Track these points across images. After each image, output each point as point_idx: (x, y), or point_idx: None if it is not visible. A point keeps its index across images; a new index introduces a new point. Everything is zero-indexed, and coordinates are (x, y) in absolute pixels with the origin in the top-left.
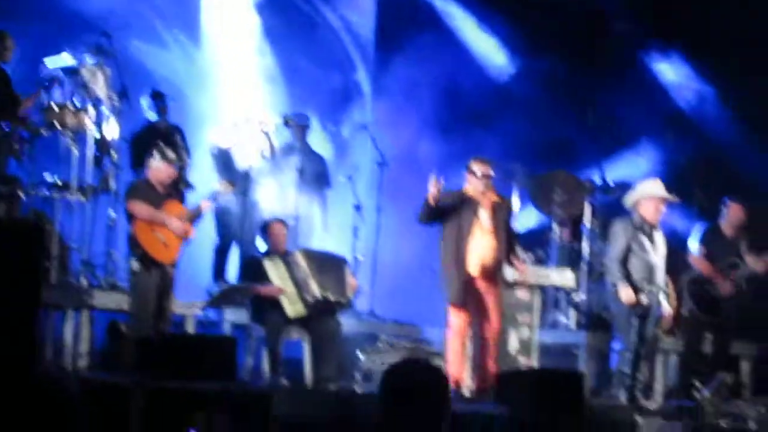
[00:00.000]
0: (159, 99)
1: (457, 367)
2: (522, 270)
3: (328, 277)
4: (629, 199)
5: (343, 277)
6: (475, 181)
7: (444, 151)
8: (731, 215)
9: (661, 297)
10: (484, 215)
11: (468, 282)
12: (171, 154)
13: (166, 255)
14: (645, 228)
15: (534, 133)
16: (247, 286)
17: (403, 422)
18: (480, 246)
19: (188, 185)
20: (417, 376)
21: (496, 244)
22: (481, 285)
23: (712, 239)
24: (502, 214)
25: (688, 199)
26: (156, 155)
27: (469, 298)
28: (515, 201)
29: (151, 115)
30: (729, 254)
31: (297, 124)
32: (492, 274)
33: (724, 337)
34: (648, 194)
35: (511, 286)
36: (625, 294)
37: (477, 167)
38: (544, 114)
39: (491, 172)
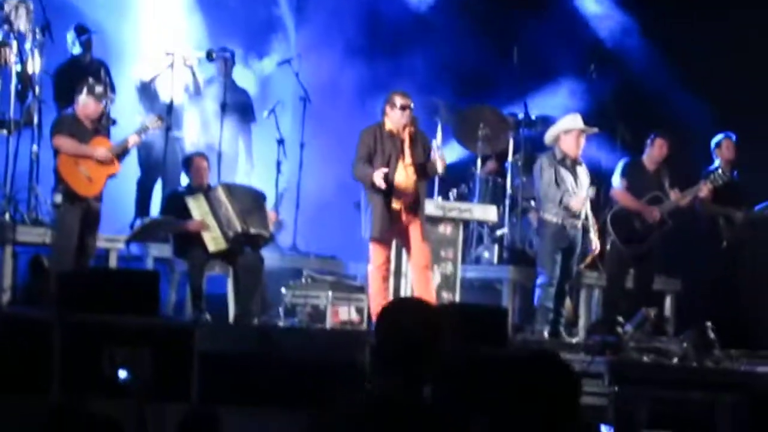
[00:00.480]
0: (83, 33)
1: (379, 302)
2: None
3: (249, 211)
4: (549, 135)
5: (264, 211)
6: (396, 113)
7: (366, 80)
8: (655, 150)
9: (585, 230)
10: (405, 148)
11: (391, 216)
12: (99, 89)
13: (90, 189)
14: (567, 162)
15: (456, 65)
16: (169, 220)
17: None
18: (402, 179)
19: (112, 121)
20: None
21: (417, 177)
22: (405, 218)
23: (634, 173)
24: (421, 146)
25: (611, 133)
26: (84, 90)
27: (392, 233)
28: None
29: (76, 50)
30: (651, 189)
31: (220, 58)
32: (414, 207)
33: (647, 272)
34: (567, 128)
35: (434, 221)
36: (575, 201)
37: (398, 99)
38: (466, 46)
39: (411, 104)
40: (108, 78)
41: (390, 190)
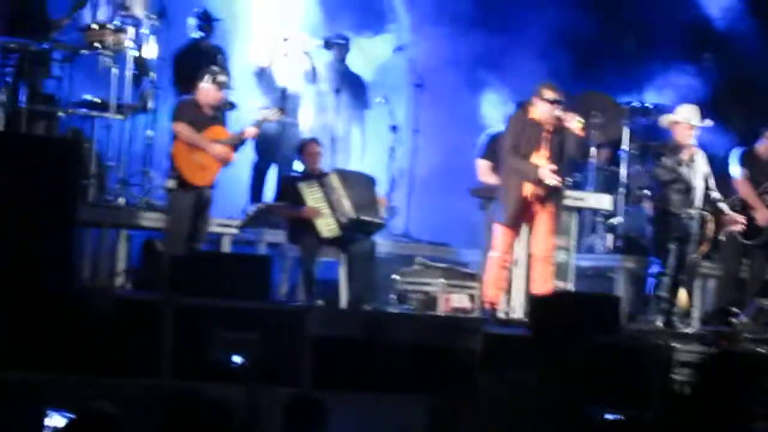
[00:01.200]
0: (205, 19)
1: (497, 289)
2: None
3: (362, 198)
4: (664, 120)
5: (374, 196)
6: (545, 106)
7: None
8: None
9: (701, 220)
10: (546, 139)
11: (525, 203)
12: (222, 78)
13: (203, 178)
14: (682, 152)
15: (568, 51)
16: (282, 206)
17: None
18: (545, 165)
19: (231, 105)
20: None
21: (556, 168)
22: (539, 207)
23: (749, 163)
24: (562, 138)
25: (724, 122)
26: (207, 77)
27: (523, 220)
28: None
29: (196, 34)
30: (765, 179)
31: (337, 45)
32: (550, 196)
33: (762, 262)
34: (682, 119)
35: None
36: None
37: (548, 93)
38: (580, 33)
39: (561, 98)
40: (225, 63)
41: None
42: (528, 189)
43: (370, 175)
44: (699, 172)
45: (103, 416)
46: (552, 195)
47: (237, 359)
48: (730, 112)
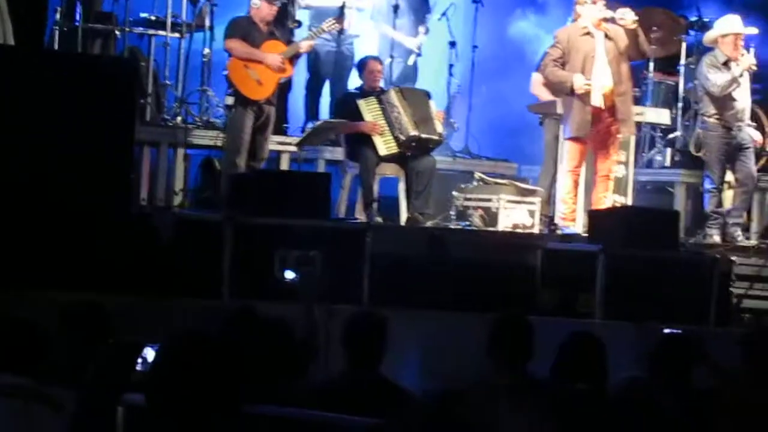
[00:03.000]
0: None
1: (569, 207)
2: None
3: (422, 114)
4: (708, 37)
5: (432, 111)
6: (588, 8)
7: None
8: None
9: (752, 132)
10: (602, 45)
11: (591, 116)
12: None
13: (260, 92)
14: (730, 65)
15: None
16: (341, 122)
17: None
18: (601, 77)
19: (297, 23)
20: None
21: (619, 75)
22: (605, 120)
23: None
24: (621, 41)
25: None
26: None
27: (590, 133)
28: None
29: None
30: None
31: None
32: (615, 109)
33: None
34: (723, 32)
35: None
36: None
37: None
38: None
39: None
40: None
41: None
42: (593, 102)
43: (426, 91)
44: (745, 84)
45: (198, 338)
46: (615, 108)
47: (294, 276)
48: None
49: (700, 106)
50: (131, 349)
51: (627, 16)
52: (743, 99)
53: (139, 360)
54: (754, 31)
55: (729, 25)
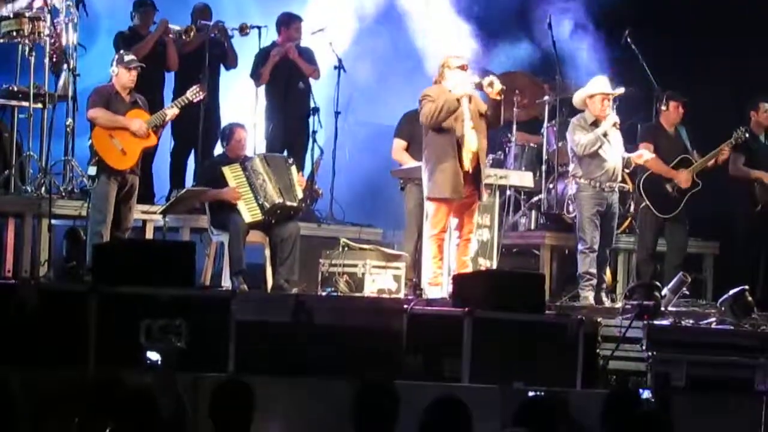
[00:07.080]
0: (143, 6)
1: (436, 269)
2: None
3: (283, 180)
4: (577, 98)
5: (292, 178)
6: (459, 74)
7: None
8: (671, 112)
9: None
10: (467, 109)
11: (462, 177)
12: (128, 58)
13: (124, 162)
14: (598, 124)
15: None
16: (203, 190)
17: None
18: (471, 140)
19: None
20: None
21: (484, 140)
22: (470, 182)
23: (656, 136)
24: (482, 107)
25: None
26: (115, 61)
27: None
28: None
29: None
30: (676, 151)
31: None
32: (479, 170)
33: (681, 235)
34: (591, 92)
35: None
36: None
37: (454, 61)
38: None
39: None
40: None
41: (460, 153)
42: (464, 164)
43: (287, 157)
44: (615, 146)
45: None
46: (479, 172)
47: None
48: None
49: (572, 167)
50: None
51: (495, 86)
52: (613, 158)
53: None
54: (620, 91)
55: (597, 85)
